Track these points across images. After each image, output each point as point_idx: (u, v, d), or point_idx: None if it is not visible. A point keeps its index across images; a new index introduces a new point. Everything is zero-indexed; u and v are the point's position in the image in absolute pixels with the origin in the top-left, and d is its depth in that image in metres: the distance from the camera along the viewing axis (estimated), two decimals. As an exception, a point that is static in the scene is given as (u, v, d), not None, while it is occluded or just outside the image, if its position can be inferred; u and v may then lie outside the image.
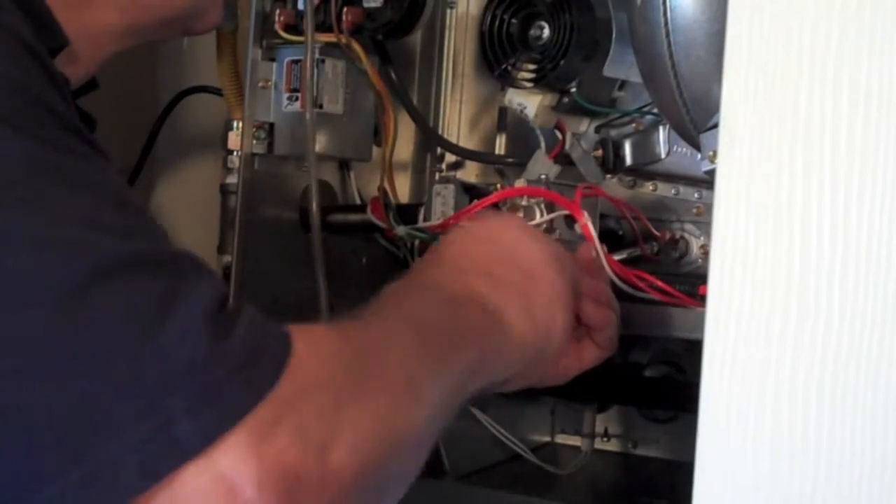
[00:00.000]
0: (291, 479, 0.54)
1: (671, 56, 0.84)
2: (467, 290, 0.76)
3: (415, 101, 1.16)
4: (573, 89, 1.07)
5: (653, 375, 1.11)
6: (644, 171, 1.06)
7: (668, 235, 1.02)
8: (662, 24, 0.84)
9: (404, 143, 1.18)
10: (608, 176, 1.07)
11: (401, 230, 1.04)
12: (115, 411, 0.52)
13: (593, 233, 0.90)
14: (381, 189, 1.09)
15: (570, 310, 0.81)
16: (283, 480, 0.54)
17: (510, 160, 1.15)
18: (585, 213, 0.91)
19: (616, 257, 0.93)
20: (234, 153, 1.11)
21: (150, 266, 0.56)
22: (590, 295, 0.85)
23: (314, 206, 1.03)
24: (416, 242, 1.06)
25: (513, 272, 0.79)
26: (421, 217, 1.04)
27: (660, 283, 0.88)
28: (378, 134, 1.12)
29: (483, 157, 1.18)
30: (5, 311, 0.53)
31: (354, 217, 1.12)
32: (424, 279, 0.78)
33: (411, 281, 0.77)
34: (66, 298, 0.53)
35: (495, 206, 0.96)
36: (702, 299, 0.89)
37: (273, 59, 1.10)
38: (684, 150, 1.01)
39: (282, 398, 0.55)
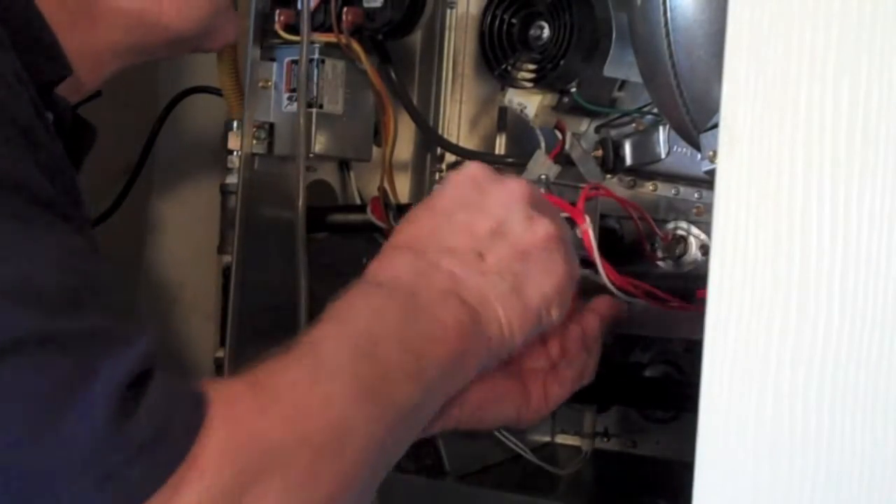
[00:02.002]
0: None
1: (671, 56, 0.84)
2: (441, 282, 0.71)
3: (415, 101, 1.16)
4: (573, 89, 1.07)
5: (653, 375, 1.11)
6: (644, 171, 1.06)
7: (668, 235, 1.02)
8: (662, 24, 0.84)
9: (404, 143, 1.18)
10: (608, 176, 1.07)
11: (401, 230, 1.03)
12: (17, 498, 0.51)
13: (593, 240, 0.90)
14: (381, 189, 1.09)
15: (567, 299, 0.76)
16: None
17: (510, 160, 1.15)
18: (587, 219, 0.91)
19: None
20: (234, 153, 1.11)
21: (61, 343, 0.55)
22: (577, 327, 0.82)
23: (300, 207, 1.03)
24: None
25: (499, 252, 0.73)
26: (421, 217, 1.04)
27: (655, 290, 0.88)
28: (378, 134, 1.12)
29: (483, 157, 1.18)
30: None
31: (354, 217, 1.12)
32: (381, 275, 0.72)
33: (366, 280, 0.72)
34: None
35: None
36: (699, 303, 0.89)
37: (273, 59, 1.10)
38: (684, 150, 1.01)
39: (185, 480, 0.54)
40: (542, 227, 0.75)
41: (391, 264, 0.72)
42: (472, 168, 0.77)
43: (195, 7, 0.85)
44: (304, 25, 1.04)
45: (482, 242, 0.73)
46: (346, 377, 0.63)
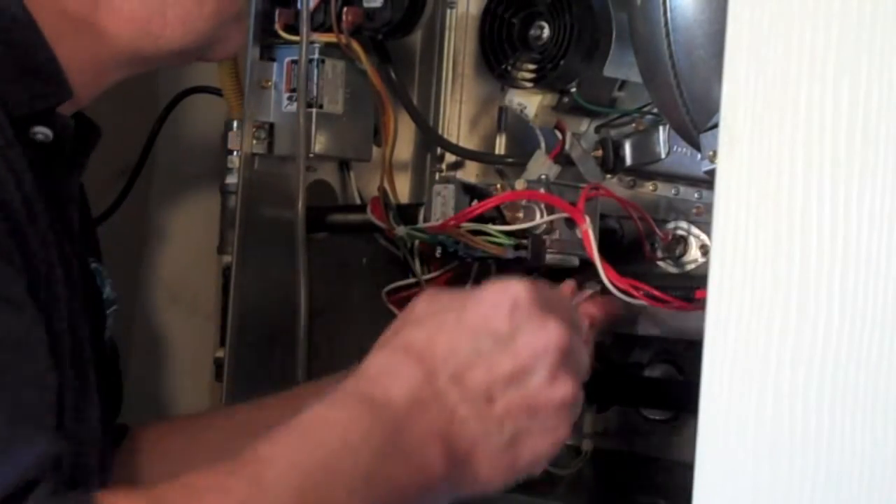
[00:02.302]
0: None
1: (671, 56, 0.84)
2: (436, 421, 0.65)
3: (415, 101, 1.16)
4: (573, 89, 1.07)
5: (653, 375, 1.11)
6: (644, 171, 1.06)
7: (668, 235, 1.02)
8: (662, 24, 0.84)
9: (404, 143, 1.18)
10: (608, 176, 1.07)
11: (401, 230, 1.04)
12: None
13: (593, 240, 0.90)
14: (381, 189, 1.09)
15: (563, 436, 0.70)
16: None
17: (510, 160, 1.15)
18: (587, 219, 0.91)
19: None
20: (234, 153, 1.11)
21: None
22: None
23: (300, 207, 1.03)
24: (416, 242, 1.06)
25: (511, 402, 0.67)
26: (421, 217, 1.04)
27: (655, 292, 0.88)
28: (378, 134, 1.12)
29: (483, 157, 1.18)
30: None
31: (354, 217, 1.12)
32: (382, 391, 0.64)
33: (363, 391, 0.65)
34: None
35: (497, 208, 0.97)
36: (699, 303, 0.89)
37: (273, 59, 1.10)
38: (684, 150, 1.01)
39: None
40: (562, 389, 0.68)
41: (394, 376, 0.66)
42: (519, 292, 0.68)
43: (199, 19, 0.83)
44: (304, 25, 1.04)
45: (496, 385, 0.67)
46: None
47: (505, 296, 0.68)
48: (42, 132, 0.75)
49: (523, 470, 0.69)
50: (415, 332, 0.68)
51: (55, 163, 0.78)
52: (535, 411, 0.67)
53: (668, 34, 0.84)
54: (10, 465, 0.54)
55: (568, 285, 0.91)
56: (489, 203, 0.97)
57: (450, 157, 1.19)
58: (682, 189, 1.05)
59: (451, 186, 1.02)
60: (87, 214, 0.94)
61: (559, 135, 1.06)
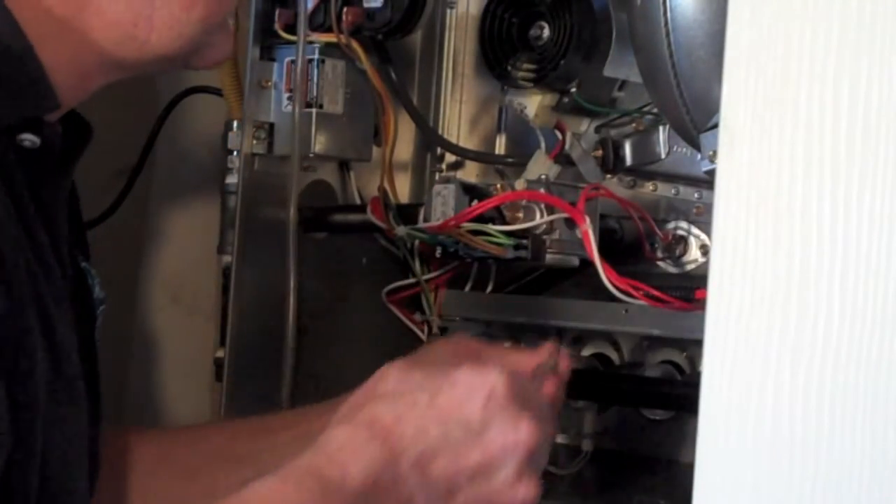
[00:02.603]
0: None
1: (671, 56, 0.84)
2: (398, 500, 0.64)
3: (415, 101, 1.16)
4: (573, 89, 1.07)
5: (653, 375, 1.11)
6: (644, 171, 1.06)
7: (668, 235, 1.02)
8: (662, 24, 0.84)
9: (404, 143, 1.18)
10: (608, 176, 1.07)
11: (401, 230, 1.04)
12: None
13: (593, 241, 0.90)
14: (381, 189, 1.09)
15: None
16: None
17: (510, 160, 1.15)
18: (587, 219, 0.91)
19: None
20: (234, 153, 1.11)
21: None
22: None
23: (292, 210, 1.03)
24: (416, 242, 1.06)
25: (471, 498, 0.65)
26: (421, 217, 1.04)
27: (655, 292, 0.88)
28: (378, 134, 1.12)
29: (483, 157, 1.18)
30: None
31: (354, 217, 1.12)
32: (340, 473, 0.63)
33: (319, 472, 0.63)
34: None
35: (497, 208, 0.97)
36: (698, 303, 0.89)
37: (273, 59, 1.10)
38: (684, 150, 1.01)
39: None
40: (525, 490, 0.66)
41: (356, 454, 0.64)
42: (496, 381, 0.66)
43: (186, 24, 0.82)
44: (301, 26, 1.04)
45: (460, 477, 0.65)
46: None
47: (481, 383, 0.66)
48: (29, 139, 0.75)
49: None
50: (383, 407, 0.66)
51: (44, 167, 0.78)
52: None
53: (668, 34, 0.84)
54: None
55: (545, 351, 0.80)
56: (489, 203, 0.97)
57: (450, 157, 1.19)
58: (682, 189, 1.05)
59: (451, 186, 1.02)
60: (77, 213, 0.93)
61: (559, 135, 1.06)
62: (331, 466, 0.62)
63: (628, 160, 1.06)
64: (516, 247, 0.96)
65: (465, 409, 0.65)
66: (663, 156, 1.04)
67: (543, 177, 1.02)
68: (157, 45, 0.81)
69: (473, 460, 0.65)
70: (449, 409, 0.65)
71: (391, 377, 0.67)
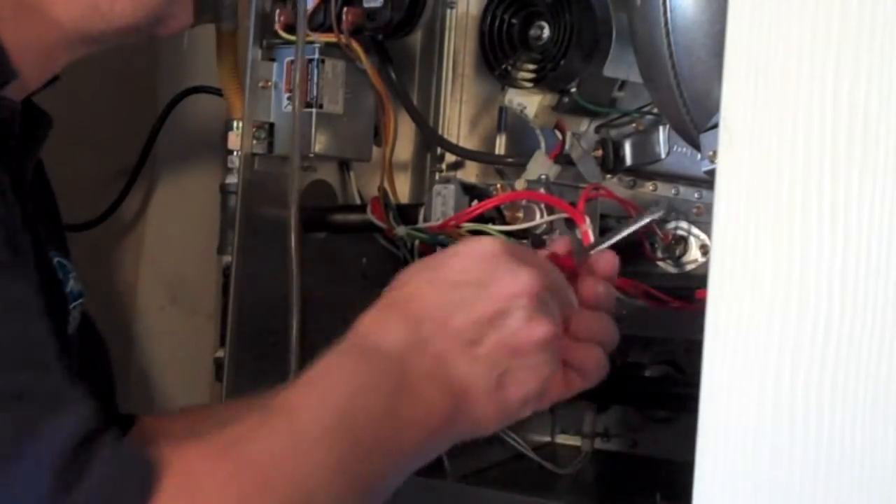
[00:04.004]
0: None
1: (671, 56, 0.84)
2: (430, 364, 0.68)
3: (415, 101, 1.16)
4: (573, 89, 1.07)
5: (653, 375, 1.11)
6: (644, 171, 1.06)
7: (668, 235, 1.02)
8: (662, 24, 0.84)
9: (404, 143, 1.18)
10: (608, 176, 1.07)
11: (401, 230, 1.04)
12: None
13: (593, 241, 0.90)
14: (381, 189, 1.09)
15: (546, 394, 0.73)
16: None
17: (510, 160, 1.15)
18: (587, 220, 0.91)
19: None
20: (234, 153, 1.11)
21: (6, 401, 0.53)
22: (579, 333, 0.77)
23: (293, 209, 1.03)
24: (416, 242, 1.06)
25: (493, 343, 0.70)
26: (421, 217, 1.04)
27: (654, 292, 0.88)
28: (378, 134, 1.12)
29: (483, 157, 1.18)
30: None
31: (354, 217, 1.12)
32: (376, 340, 0.68)
33: (359, 344, 0.69)
34: None
35: (497, 209, 0.97)
36: (699, 303, 0.89)
37: (273, 59, 1.10)
38: (684, 150, 1.01)
39: None
40: (541, 329, 0.71)
41: (384, 327, 0.69)
42: (490, 245, 0.73)
43: None
44: (301, 26, 1.04)
45: (479, 328, 0.70)
46: (322, 453, 0.61)
47: (477, 249, 0.72)
48: None
49: (514, 410, 0.72)
50: (397, 292, 0.72)
51: (3, 148, 0.77)
52: (517, 351, 0.70)
53: (668, 34, 0.84)
54: (72, 415, 0.54)
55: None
56: (489, 203, 0.97)
57: (450, 157, 1.19)
58: (682, 189, 1.05)
59: (451, 186, 1.02)
60: (51, 206, 0.93)
61: (559, 135, 1.06)
62: (367, 342, 0.68)
63: (628, 160, 1.06)
64: (516, 247, 0.96)
65: (467, 272, 0.71)
66: (663, 156, 1.03)
67: (543, 177, 1.02)
68: (120, 16, 0.82)
69: (486, 311, 0.70)
70: (453, 276, 0.71)
71: (400, 274, 0.74)
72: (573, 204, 0.94)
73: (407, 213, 1.06)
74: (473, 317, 0.70)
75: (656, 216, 0.91)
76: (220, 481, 0.56)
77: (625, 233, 0.84)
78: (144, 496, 0.53)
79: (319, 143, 1.08)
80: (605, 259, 0.79)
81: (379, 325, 0.69)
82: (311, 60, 1.06)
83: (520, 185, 1.00)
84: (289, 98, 1.08)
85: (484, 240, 0.74)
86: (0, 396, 0.54)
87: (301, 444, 0.61)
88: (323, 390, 0.65)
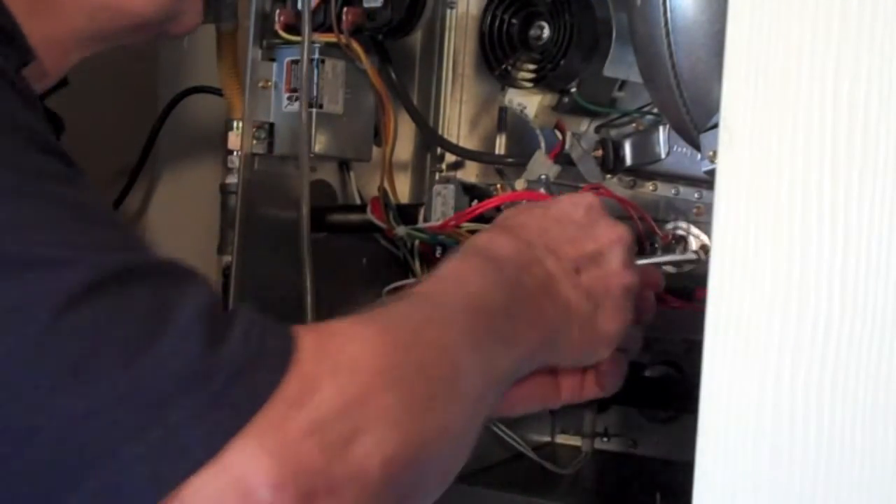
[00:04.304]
0: (309, 477, 0.53)
1: (671, 56, 0.84)
2: (541, 278, 0.73)
3: (415, 101, 1.16)
4: (573, 89, 1.07)
5: (653, 375, 1.11)
6: (644, 171, 1.06)
7: (668, 235, 1.02)
8: (662, 24, 0.84)
9: (404, 143, 1.18)
10: (608, 176, 1.07)
11: (401, 230, 1.04)
12: (118, 424, 0.51)
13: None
14: (381, 189, 1.09)
15: (626, 321, 0.78)
16: (301, 480, 0.52)
17: (510, 160, 1.15)
18: None
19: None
20: (234, 153, 1.11)
21: (142, 275, 0.55)
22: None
23: (304, 210, 1.02)
24: (416, 242, 1.06)
25: (592, 277, 0.76)
26: (421, 217, 1.04)
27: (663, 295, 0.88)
28: (378, 134, 1.12)
29: (483, 157, 1.18)
30: None
31: (354, 217, 1.12)
32: (494, 251, 0.73)
33: (479, 251, 0.73)
34: (56, 315, 0.52)
35: (497, 209, 0.96)
36: (699, 302, 0.89)
37: (273, 59, 1.10)
38: (684, 150, 1.01)
39: (289, 396, 0.53)
40: (630, 277, 0.78)
41: (500, 244, 0.74)
42: (591, 198, 0.80)
43: None
44: (306, 26, 1.04)
45: (582, 260, 0.76)
46: (460, 328, 0.63)
47: (582, 199, 0.80)
48: None
49: (599, 345, 0.77)
50: (507, 220, 0.78)
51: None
52: (609, 290, 0.76)
53: (668, 34, 0.84)
54: (204, 284, 0.57)
55: None
56: (489, 203, 0.97)
57: (450, 157, 1.19)
58: (682, 189, 1.05)
59: (451, 186, 1.02)
60: None
61: (559, 135, 1.06)
62: (491, 250, 0.73)
63: (628, 160, 1.06)
64: (516, 247, 0.96)
65: (573, 214, 0.78)
66: (663, 156, 1.03)
67: (543, 177, 1.02)
68: (132, 12, 0.83)
69: (589, 248, 0.76)
70: (560, 215, 0.78)
71: (508, 210, 0.81)
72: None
73: (407, 213, 1.06)
74: (579, 250, 0.76)
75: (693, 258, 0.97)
76: (371, 335, 0.58)
77: (664, 259, 0.95)
78: (288, 349, 0.55)
79: (319, 143, 1.08)
80: (654, 275, 0.87)
81: (494, 242, 0.74)
82: (311, 60, 1.06)
83: (520, 185, 1.00)
84: (289, 98, 1.08)
85: (586, 194, 0.82)
86: (145, 268, 0.55)
87: (444, 316, 0.64)
88: (455, 282, 0.68)
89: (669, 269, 0.99)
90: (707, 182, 0.97)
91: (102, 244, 0.56)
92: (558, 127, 1.06)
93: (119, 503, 0.51)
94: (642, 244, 1.01)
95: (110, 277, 0.54)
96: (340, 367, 0.56)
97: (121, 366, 0.52)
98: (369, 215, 1.07)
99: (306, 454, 0.53)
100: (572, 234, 0.77)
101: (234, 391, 0.53)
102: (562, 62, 1.04)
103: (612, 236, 0.78)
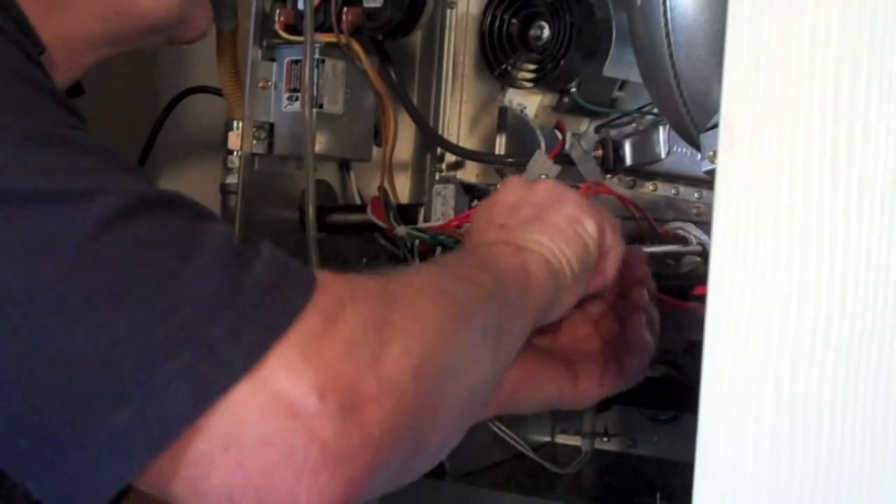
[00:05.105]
0: (347, 386, 0.54)
1: (671, 56, 0.84)
2: (495, 239, 0.76)
3: (415, 101, 1.16)
4: (573, 89, 1.07)
5: (653, 375, 1.11)
6: (644, 171, 1.06)
7: (668, 235, 1.02)
8: (662, 24, 0.84)
9: (404, 143, 1.18)
10: (608, 176, 1.07)
11: (401, 230, 1.04)
12: (154, 343, 0.52)
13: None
14: (381, 189, 1.09)
15: (593, 212, 0.81)
16: (341, 388, 0.54)
17: (510, 160, 1.15)
18: None
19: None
20: (234, 153, 1.11)
21: (168, 205, 0.57)
22: (644, 310, 0.85)
23: (311, 210, 1.03)
24: (416, 242, 1.06)
25: (519, 216, 0.78)
26: (421, 217, 1.04)
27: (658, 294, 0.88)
28: (378, 134, 1.12)
29: (483, 157, 1.18)
30: (32, 260, 0.53)
31: (354, 217, 1.12)
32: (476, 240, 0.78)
33: (478, 249, 0.77)
34: (90, 239, 0.53)
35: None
36: (697, 300, 0.89)
37: (273, 59, 1.10)
38: (684, 150, 1.01)
39: (321, 310, 0.55)
40: (571, 205, 0.80)
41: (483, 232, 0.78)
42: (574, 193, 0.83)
43: None
44: (308, 25, 1.04)
45: (533, 211, 0.79)
46: (474, 284, 0.66)
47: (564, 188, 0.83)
48: None
49: (570, 230, 0.78)
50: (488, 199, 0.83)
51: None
52: (540, 213, 0.78)
53: (668, 34, 0.84)
54: (220, 221, 0.60)
55: None
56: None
57: (450, 157, 1.19)
58: (682, 189, 1.05)
59: (451, 186, 1.02)
60: None
61: (559, 135, 1.06)
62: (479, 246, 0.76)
63: (628, 160, 1.06)
64: (516, 247, 0.96)
65: (517, 198, 0.81)
66: (663, 156, 1.04)
67: (543, 177, 1.02)
68: (143, 17, 0.83)
69: (526, 212, 0.79)
70: (517, 200, 0.81)
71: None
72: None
73: (407, 213, 1.06)
74: (513, 217, 0.79)
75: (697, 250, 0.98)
76: (376, 282, 0.61)
77: (667, 248, 0.96)
78: (311, 274, 0.58)
79: (319, 143, 1.08)
80: (636, 254, 0.88)
81: (483, 233, 0.78)
82: (311, 60, 1.06)
83: (520, 185, 1.00)
84: (289, 98, 1.08)
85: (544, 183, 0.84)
86: (167, 200, 0.57)
87: (454, 273, 0.67)
88: (469, 257, 0.73)
89: (671, 262, 0.99)
90: (707, 182, 0.97)
91: (128, 179, 0.57)
92: (558, 127, 1.06)
93: (163, 418, 0.52)
94: (643, 243, 1.01)
95: (140, 205, 0.55)
96: (361, 289, 0.59)
97: (155, 287, 0.53)
98: (369, 215, 1.07)
99: (342, 365, 0.54)
100: (519, 205, 0.80)
101: (267, 306, 0.54)
102: (562, 62, 1.04)
103: (589, 206, 0.80)
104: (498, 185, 1.04)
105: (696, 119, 0.86)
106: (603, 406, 1.16)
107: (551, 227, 0.77)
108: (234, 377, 0.52)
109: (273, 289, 0.55)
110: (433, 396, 0.59)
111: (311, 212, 1.03)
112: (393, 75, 1.12)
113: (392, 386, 0.56)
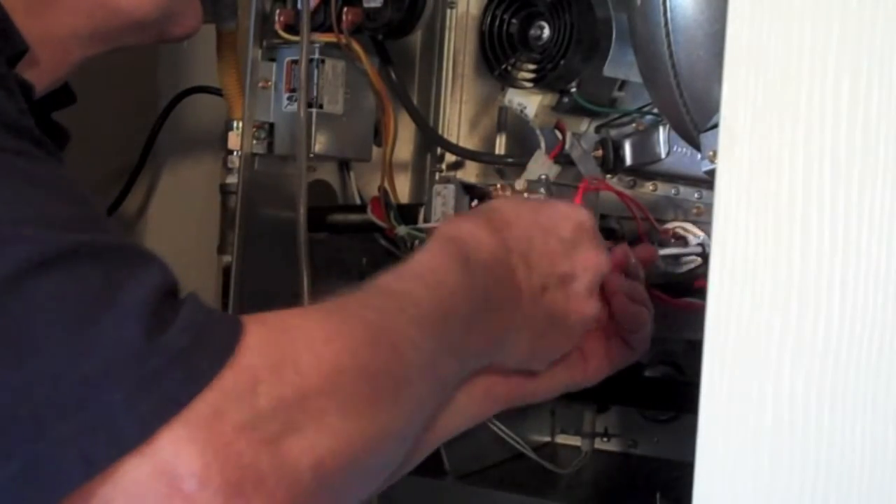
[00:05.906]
0: (237, 471, 0.52)
1: (671, 56, 0.84)
2: (508, 284, 0.73)
3: (415, 101, 1.16)
4: (573, 89, 1.06)
5: (653, 375, 1.11)
6: (644, 171, 1.06)
7: (668, 233, 1.02)
8: (662, 24, 0.84)
9: (404, 143, 1.18)
10: (608, 176, 1.07)
11: (401, 230, 1.04)
12: (51, 403, 0.51)
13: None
14: (382, 189, 1.09)
15: (571, 347, 0.79)
16: (228, 472, 0.52)
17: (510, 160, 1.15)
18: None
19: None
20: (234, 153, 1.11)
21: (91, 255, 0.54)
22: (623, 290, 0.83)
23: (301, 210, 1.03)
24: (417, 242, 1.06)
25: (556, 298, 0.76)
26: (421, 217, 1.04)
27: (654, 292, 0.88)
28: (378, 134, 1.12)
29: (483, 157, 1.18)
30: None
31: (354, 217, 1.12)
32: (471, 249, 0.73)
33: (457, 245, 0.73)
34: None
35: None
36: (697, 293, 0.89)
37: (273, 59, 1.10)
38: (684, 150, 1.01)
39: (226, 388, 0.53)
40: (591, 306, 0.78)
41: (479, 241, 0.73)
42: (586, 215, 0.79)
43: None
44: (305, 26, 1.04)
45: (552, 278, 0.76)
46: (416, 332, 0.63)
47: (574, 212, 0.79)
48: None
49: (536, 362, 0.77)
50: (496, 212, 0.77)
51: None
52: (567, 317, 0.76)
53: (668, 34, 0.84)
54: (156, 267, 0.56)
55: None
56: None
57: (450, 157, 1.19)
58: (682, 189, 1.05)
59: (451, 186, 1.02)
60: None
61: (559, 135, 1.06)
62: (463, 246, 0.72)
63: (628, 160, 1.06)
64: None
65: (561, 227, 0.77)
66: (663, 156, 1.03)
67: (543, 177, 1.02)
68: (129, 14, 0.83)
69: (563, 268, 0.76)
70: (549, 224, 0.77)
71: (498, 200, 0.81)
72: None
73: (407, 213, 1.06)
74: (552, 269, 0.75)
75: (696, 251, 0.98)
76: (315, 336, 0.57)
77: (668, 251, 0.96)
78: (232, 340, 0.54)
79: (319, 144, 1.08)
80: (649, 250, 0.90)
81: (474, 237, 0.73)
82: (311, 60, 1.06)
83: (520, 185, 1.00)
84: (288, 98, 1.08)
85: (581, 209, 0.81)
86: (94, 248, 0.55)
87: (401, 318, 0.62)
88: (422, 280, 0.67)
89: (670, 268, 0.99)
90: (707, 182, 0.97)
91: (61, 222, 0.56)
92: (558, 127, 1.06)
93: (47, 480, 0.51)
94: (643, 242, 1.01)
95: (56, 256, 0.53)
96: (283, 365, 0.55)
97: (58, 344, 0.51)
98: (369, 215, 1.07)
99: (236, 447, 0.52)
100: (552, 248, 0.76)
101: (170, 377, 0.52)
102: (562, 62, 1.04)
103: (588, 262, 0.77)
104: (497, 186, 1.04)
105: (696, 119, 0.86)
106: (603, 406, 1.17)
107: (539, 340, 0.75)
108: (124, 447, 0.51)
109: (182, 356, 0.53)
110: (338, 485, 0.57)
111: (301, 213, 1.03)
112: (393, 75, 1.12)
113: (286, 476, 0.53)
